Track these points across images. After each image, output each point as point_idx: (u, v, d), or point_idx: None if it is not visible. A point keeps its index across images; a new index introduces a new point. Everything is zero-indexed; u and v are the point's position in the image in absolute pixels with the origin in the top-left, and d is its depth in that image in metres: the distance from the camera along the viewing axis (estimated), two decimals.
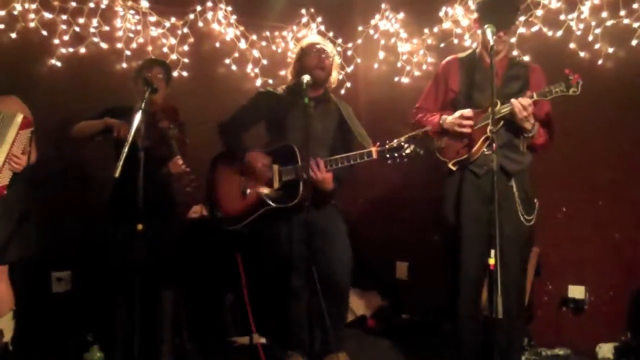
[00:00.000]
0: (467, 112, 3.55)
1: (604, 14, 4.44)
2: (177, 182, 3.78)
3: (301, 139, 3.64)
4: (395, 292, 5.41)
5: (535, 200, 3.61)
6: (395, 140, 3.50)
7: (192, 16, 5.22)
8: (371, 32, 5.59)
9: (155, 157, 3.67)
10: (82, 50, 4.85)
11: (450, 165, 3.62)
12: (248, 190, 3.86)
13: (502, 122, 3.47)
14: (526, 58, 4.68)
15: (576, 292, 4.55)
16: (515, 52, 4.74)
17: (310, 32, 5.56)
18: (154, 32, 5.07)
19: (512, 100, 3.39)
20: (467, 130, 3.53)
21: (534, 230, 3.64)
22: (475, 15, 3.65)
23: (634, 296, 4.40)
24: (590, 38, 4.50)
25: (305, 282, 3.70)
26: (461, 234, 3.59)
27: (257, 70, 5.52)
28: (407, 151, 3.46)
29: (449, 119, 3.61)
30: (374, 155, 3.57)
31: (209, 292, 4.61)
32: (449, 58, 3.85)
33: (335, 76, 4.04)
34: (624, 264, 4.38)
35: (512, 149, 3.52)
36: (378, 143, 3.57)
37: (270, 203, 3.72)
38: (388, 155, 3.51)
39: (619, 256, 4.42)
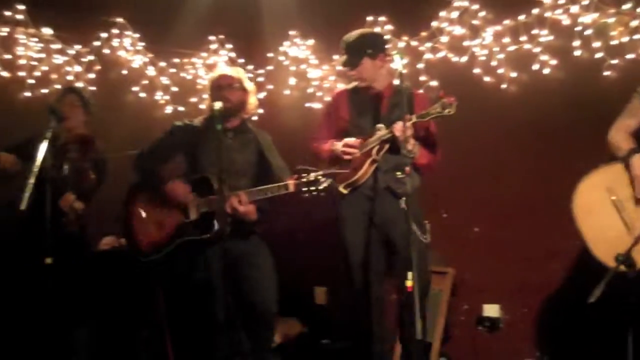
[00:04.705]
0: (352, 140, 3.84)
1: (506, 40, 4.65)
2: (65, 218, 3.68)
3: (220, 170, 3.65)
4: (314, 317, 5.40)
5: (426, 222, 3.77)
6: (312, 175, 3.51)
7: (97, 43, 5.17)
8: (281, 58, 5.68)
9: (65, 188, 3.58)
10: None
11: (341, 189, 3.82)
12: (166, 221, 3.83)
13: (387, 146, 3.72)
14: (433, 83, 4.88)
15: (491, 310, 4.68)
16: (423, 77, 4.88)
17: (220, 59, 5.56)
18: (58, 59, 5.03)
19: (400, 123, 3.61)
20: (348, 157, 3.82)
21: (430, 249, 3.91)
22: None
23: (546, 314, 4.53)
24: (494, 63, 4.71)
25: (227, 313, 3.64)
26: (359, 254, 3.83)
27: (166, 97, 5.54)
28: (324, 185, 3.49)
29: (337, 145, 3.89)
30: (291, 188, 3.64)
31: (122, 327, 4.47)
32: (338, 89, 4.25)
33: (252, 103, 4.09)
34: (536, 282, 4.53)
35: (398, 171, 3.64)
36: (295, 176, 3.59)
37: None
38: (304, 189, 3.53)
39: (530, 274, 4.56)
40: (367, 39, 3.97)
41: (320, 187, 3.51)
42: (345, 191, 3.81)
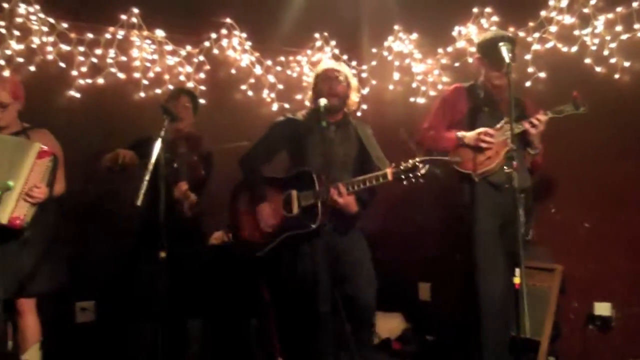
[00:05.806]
0: (491, 130, 3.88)
1: (619, 28, 4.49)
2: (180, 206, 3.81)
3: (322, 163, 3.68)
4: (419, 313, 5.40)
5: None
6: (410, 161, 3.52)
7: (207, 44, 5.44)
8: (385, 53, 5.77)
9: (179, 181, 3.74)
10: (100, 80, 5.09)
11: (474, 176, 3.90)
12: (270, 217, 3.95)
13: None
14: (542, 74, 4.75)
15: (602, 309, 4.53)
16: (531, 69, 4.78)
17: (325, 56, 5.66)
18: (171, 60, 5.28)
19: (538, 116, 3.77)
20: (486, 145, 3.86)
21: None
22: (477, 54, 4.13)
23: None
24: (606, 52, 4.57)
25: (330, 307, 3.69)
26: (476, 243, 3.92)
27: (273, 95, 5.73)
28: (422, 172, 3.53)
29: (470, 134, 3.93)
30: (389, 177, 3.64)
31: (233, 318, 4.62)
32: (455, 85, 4.25)
33: (354, 99, 4.14)
34: None
35: (521, 166, 3.68)
36: (393, 164, 3.61)
37: None
38: (403, 177, 3.57)
39: None
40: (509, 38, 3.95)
41: (420, 174, 3.50)
42: (477, 179, 3.89)
